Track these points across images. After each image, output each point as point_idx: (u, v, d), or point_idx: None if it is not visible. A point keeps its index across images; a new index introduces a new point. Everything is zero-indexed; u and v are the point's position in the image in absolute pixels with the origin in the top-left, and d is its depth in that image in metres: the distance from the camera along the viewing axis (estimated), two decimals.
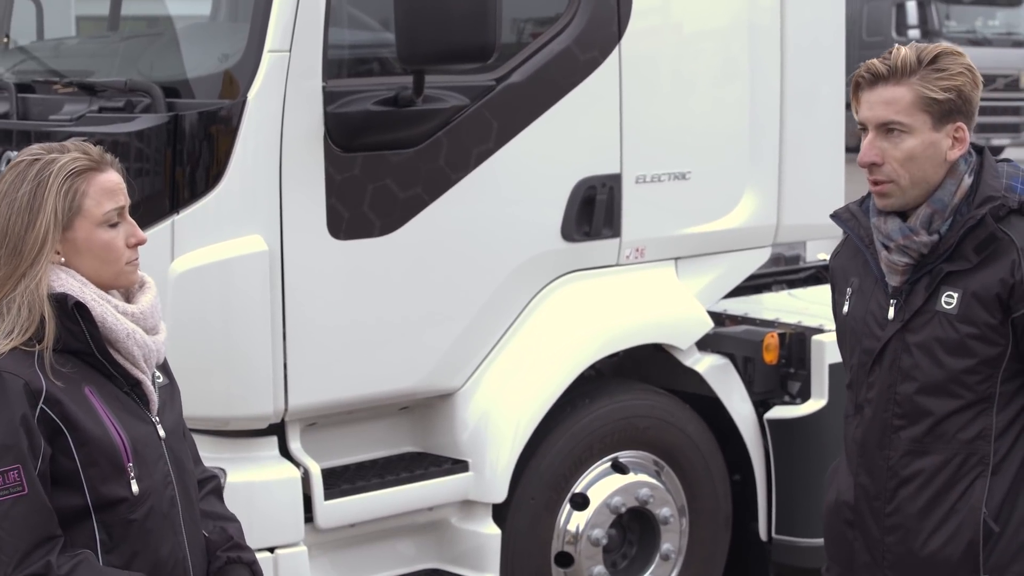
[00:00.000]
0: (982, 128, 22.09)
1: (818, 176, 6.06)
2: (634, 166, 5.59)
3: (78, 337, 3.01)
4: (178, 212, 4.82)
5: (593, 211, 5.48)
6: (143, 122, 4.85)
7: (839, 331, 3.69)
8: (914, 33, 22.45)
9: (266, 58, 4.78)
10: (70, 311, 3.00)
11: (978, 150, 3.50)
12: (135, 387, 3.11)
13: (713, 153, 5.84)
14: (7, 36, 6.44)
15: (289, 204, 4.84)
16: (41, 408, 2.94)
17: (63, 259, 3.06)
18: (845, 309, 3.61)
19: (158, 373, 3.20)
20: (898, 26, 22.60)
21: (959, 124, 3.40)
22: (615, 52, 5.49)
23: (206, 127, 4.82)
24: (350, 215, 4.95)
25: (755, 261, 6.13)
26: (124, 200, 3.12)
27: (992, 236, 3.36)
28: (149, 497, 3.06)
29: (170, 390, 3.25)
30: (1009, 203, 3.39)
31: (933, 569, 3.47)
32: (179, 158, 4.82)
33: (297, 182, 4.85)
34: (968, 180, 3.43)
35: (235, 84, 4.85)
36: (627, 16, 5.50)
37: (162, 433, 3.14)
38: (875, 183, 3.44)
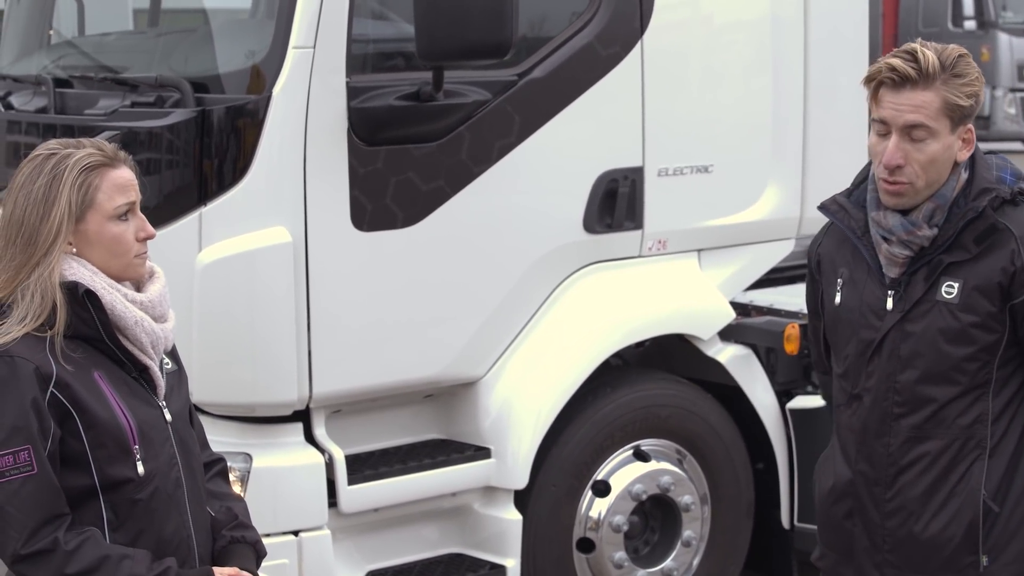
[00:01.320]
0: None
1: (842, 168, 6.07)
2: (656, 159, 5.67)
3: (88, 324, 3.15)
4: (206, 204, 4.95)
5: (615, 203, 5.57)
6: (172, 116, 4.99)
7: (830, 321, 3.74)
8: (970, 24, 22.26)
9: (291, 54, 4.91)
10: (80, 299, 3.13)
11: None
12: (143, 372, 3.24)
13: (736, 146, 5.91)
14: (51, 30, 6.61)
15: (313, 196, 4.96)
16: (51, 392, 3.07)
17: (75, 250, 3.19)
18: (837, 300, 3.68)
19: (166, 359, 3.32)
20: (954, 17, 22.40)
21: (968, 126, 3.49)
22: (637, 47, 5.57)
23: (233, 121, 4.95)
24: (373, 207, 5.06)
25: (779, 253, 6.18)
26: (135, 196, 3.25)
27: (992, 227, 3.46)
28: (154, 478, 3.18)
29: (178, 376, 3.38)
30: (1002, 194, 3.48)
31: (934, 551, 3.56)
32: (207, 151, 4.96)
33: (321, 175, 4.97)
34: (965, 175, 3.52)
35: (261, 79, 4.97)
36: (649, 11, 5.58)
37: (168, 417, 3.26)
38: (892, 183, 3.48)
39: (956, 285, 3.48)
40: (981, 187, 3.49)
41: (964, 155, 3.50)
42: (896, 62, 3.43)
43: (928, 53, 3.41)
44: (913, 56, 3.41)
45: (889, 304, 3.56)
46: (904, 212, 3.51)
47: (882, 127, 3.47)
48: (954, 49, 3.46)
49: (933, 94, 3.40)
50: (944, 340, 3.49)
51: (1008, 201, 3.49)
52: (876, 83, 3.47)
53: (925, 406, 3.52)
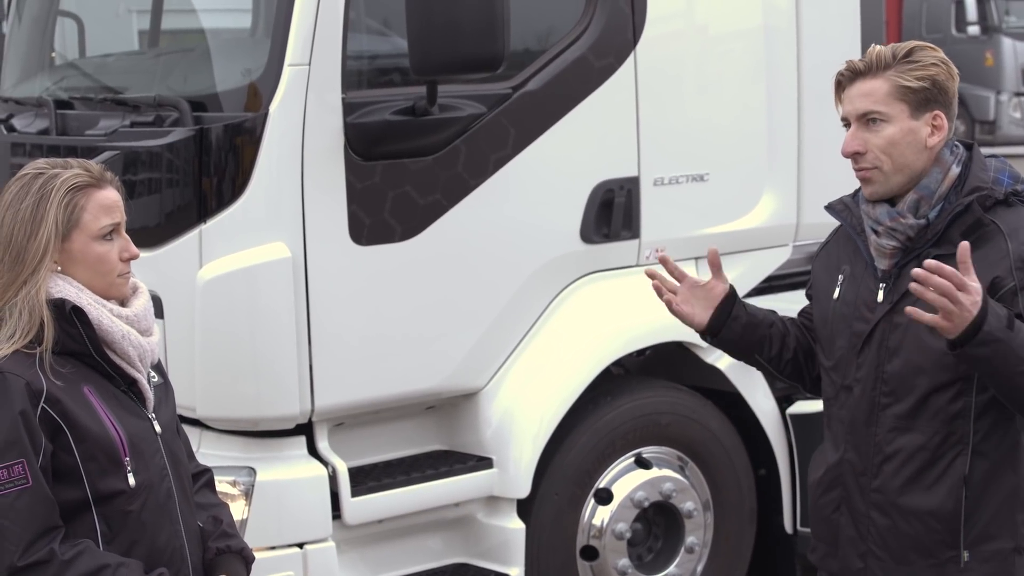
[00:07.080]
0: None
1: (837, 174, 6.12)
2: (652, 169, 5.71)
3: (76, 339, 3.20)
4: (205, 221, 5.01)
5: (612, 213, 5.62)
6: (171, 136, 5.05)
7: (824, 316, 3.79)
8: (973, 29, 22.30)
9: (287, 71, 4.97)
10: (68, 315, 3.18)
11: (967, 146, 3.67)
12: (131, 386, 3.30)
13: (731, 154, 5.96)
14: (53, 52, 6.68)
15: (312, 212, 5.01)
16: (42, 407, 3.12)
17: (60, 268, 3.24)
18: (836, 294, 3.75)
19: (153, 373, 3.38)
20: (957, 22, 22.44)
21: (936, 112, 3.57)
22: (631, 58, 5.62)
23: (231, 139, 5.00)
24: (371, 222, 5.11)
25: (776, 260, 6.22)
26: (120, 217, 3.30)
27: (978, 222, 3.52)
28: (146, 489, 3.24)
29: (164, 389, 3.44)
30: (995, 194, 3.56)
31: (914, 543, 3.60)
32: (205, 169, 5.01)
33: (319, 190, 5.02)
34: (956, 170, 3.59)
35: (258, 97, 5.03)
36: (642, 23, 5.63)
37: (158, 429, 3.32)
38: (860, 170, 3.62)
39: None
40: (974, 185, 3.57)
41: (934, 140, 3.56)
42: (851, 60, 3.61)
43: (880, 48, 3.57)
44: (867, 53, 3.58)
45: (880, 296, 3.63)
46: (892, 204, 3.60)
47: (846, 123, 3.63)
48: (913, 42, 3.61)
49: (882, 81, 3.53)
50: (928, 332, 3.51)
51: (1001, 201, 3.56)
52: (836, 84, 3.64)
53: (908, 396, 3.58)
